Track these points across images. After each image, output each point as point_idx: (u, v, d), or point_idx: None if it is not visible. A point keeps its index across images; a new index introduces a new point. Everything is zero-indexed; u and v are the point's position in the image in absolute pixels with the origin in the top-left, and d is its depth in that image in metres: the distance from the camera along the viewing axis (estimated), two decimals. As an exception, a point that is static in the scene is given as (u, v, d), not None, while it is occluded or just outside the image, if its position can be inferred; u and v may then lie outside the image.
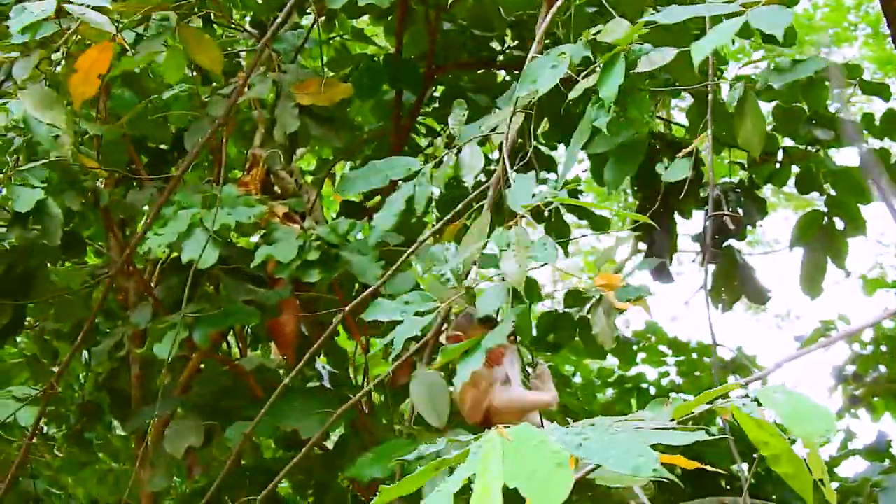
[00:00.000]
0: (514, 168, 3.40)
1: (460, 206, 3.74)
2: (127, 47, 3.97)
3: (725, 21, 3.16)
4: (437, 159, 3.89)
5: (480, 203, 3.68)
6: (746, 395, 1.94)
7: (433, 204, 5.49)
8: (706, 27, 3.25)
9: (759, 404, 1.91)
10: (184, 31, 4.17)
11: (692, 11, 3.23)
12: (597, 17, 4.18)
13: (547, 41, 3.81)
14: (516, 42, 5.52)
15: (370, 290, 3.79)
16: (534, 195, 3.12)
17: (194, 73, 5.13)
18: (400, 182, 3.91)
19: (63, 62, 4.03)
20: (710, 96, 3.57)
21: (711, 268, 5.24)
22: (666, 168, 3.58)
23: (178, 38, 4.17)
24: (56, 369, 5.78)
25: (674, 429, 1.87)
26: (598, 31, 3.40)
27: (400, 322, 3.28)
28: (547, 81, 3.36)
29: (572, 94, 3.40)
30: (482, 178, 4.20)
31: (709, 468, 2.11)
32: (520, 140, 3.76)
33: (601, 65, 3.32)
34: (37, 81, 3.97)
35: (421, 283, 3.86)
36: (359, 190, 4.25)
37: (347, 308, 3.80)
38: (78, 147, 4.55)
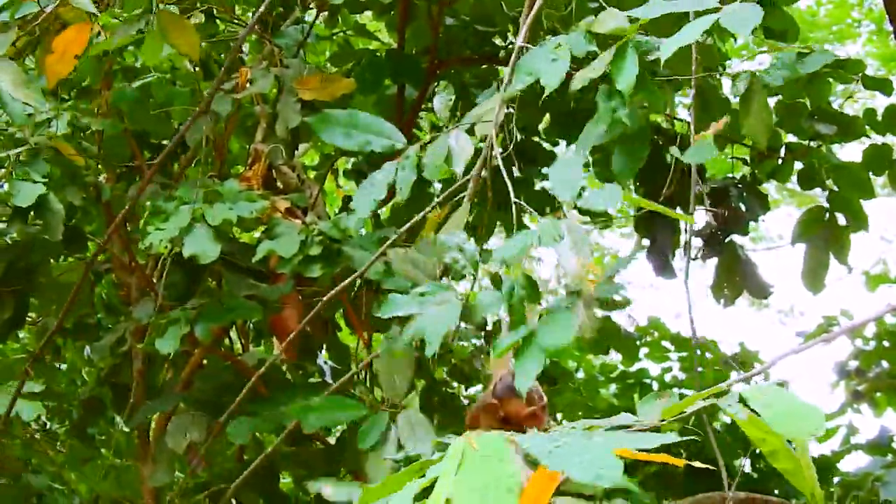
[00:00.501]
0: (500, 159, 3.35)
1: (443, 196, 3.70)
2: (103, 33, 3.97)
3: (700, 18, 3.15)
4: (421, 142, 3.78)
5: (462, 194, 3.63)
6: (735, 395, 1.92)
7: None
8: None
9: (747, 404, 1.90)
10: (161, 15, 4.13)
11: (672, 7, 3.22)
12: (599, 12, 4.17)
13: (549, 36, 3.79)
14: (518, 37, 5.51)
15: (355, 275, 3.75)
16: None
17: (196, 69, 5.13)
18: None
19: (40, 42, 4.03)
20: (692, 89, 3.56)
21: (696, 261, 5.23)
22: (682, 153, 3.54)
23: (157, 22, 4.14)
24: (60, 366, 5.81)
25: (650, 430, 1.86)
26: (593, 22, 3.38)
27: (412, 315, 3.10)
28: (552, 77, 3.30)
29: (574, 86, 3.35)
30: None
31: (699, 463, 2.10)
32: (521, 137, 3.73)
33: (607, 56, 3.28)
34: (14, 58, 3.96)
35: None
36: (338, 141, 4.00)
37: (327, 296, 3.78)
38: (79, 142, 4.55)
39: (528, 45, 3.50)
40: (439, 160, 3.62)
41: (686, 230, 4.10)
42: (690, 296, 3.35)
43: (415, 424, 3.51)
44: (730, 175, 5.36)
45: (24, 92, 3.85)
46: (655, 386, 6.73)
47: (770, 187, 8.08)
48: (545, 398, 3.16)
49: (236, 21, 5.24)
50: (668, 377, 6.76)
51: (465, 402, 5.60)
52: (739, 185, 5.24)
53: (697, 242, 5.24)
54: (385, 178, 3.74)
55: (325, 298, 3.78)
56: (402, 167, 3.70)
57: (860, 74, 4.81)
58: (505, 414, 3.09)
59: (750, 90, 3.97)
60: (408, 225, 3.77)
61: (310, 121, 4.10)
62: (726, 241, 5.25)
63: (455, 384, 5.79)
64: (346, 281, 3.76)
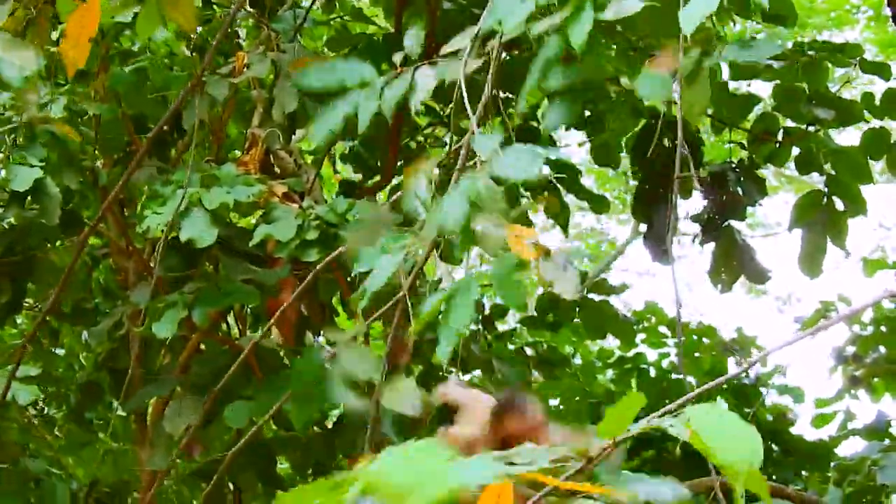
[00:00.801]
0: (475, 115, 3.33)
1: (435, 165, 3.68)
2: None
3: None
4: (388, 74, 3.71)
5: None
6: (680, 417, 1.88)
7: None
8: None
9: (688, 425, 1.86)
10: None
11: None
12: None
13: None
14: (516, 22, 5.48)
15: (337, 252, 3.72)
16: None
17: (194, 54, 5.13)
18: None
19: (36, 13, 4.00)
20: (681, 63, 3.54)
21: (694, 247, 5.23)
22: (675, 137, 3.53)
23: None
24: (57, 351, 5.82)
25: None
26: None
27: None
28: (512, 18, 3.31)
29: (534, 31, 3.35)
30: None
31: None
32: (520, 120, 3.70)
33: (569, 8, 3.28)
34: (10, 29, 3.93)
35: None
36: (314, 84, 3.84)
37: (318, 268, 3.75)
38: (77, 126, 4.55)
39: None
40: (400, 93, 3.58)
41: (673, 196, 4.06)
42: (676, 274, 3.34)
43: (402, 391, 3.51)
44: (728, 160, 5.34)
45: (19, 56, 3.79)
46: (653, 372, 6.73)
47: (768, 174, 8.08)
48: (541, 417, 3.03)
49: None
50: (665, 363, 6.76)
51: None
52: (737, 170, 5.22)
53: (695, 228, 5.23)
54: (345, 106, 3.60)
55: (314, 270, 3.77)
56: (365, 96, 3.58)
57: (858, 59, 4.80)
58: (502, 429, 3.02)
59: (695, 69, 3.96)
60: (395, 197, 3.75)
61: (294, 75, 4.05)
62: (724, 225, 5.24)
63: (452, 370, 5.78)
64: (335, 252, 3.74)
